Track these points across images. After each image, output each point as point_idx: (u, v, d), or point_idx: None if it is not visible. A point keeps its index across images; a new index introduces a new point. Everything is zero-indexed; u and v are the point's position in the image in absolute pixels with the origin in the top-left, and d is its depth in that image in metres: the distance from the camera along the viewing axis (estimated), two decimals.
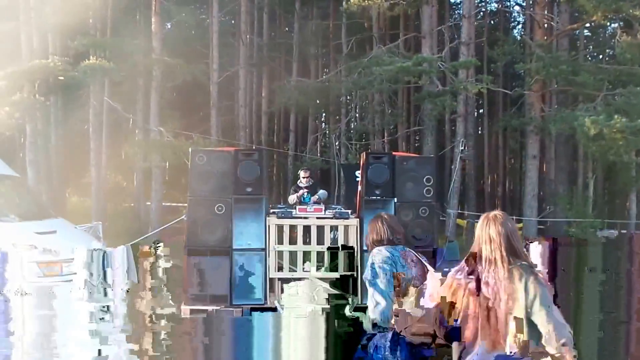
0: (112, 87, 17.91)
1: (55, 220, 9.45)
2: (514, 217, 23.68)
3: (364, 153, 9.87)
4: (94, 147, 17.64)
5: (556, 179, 19.14)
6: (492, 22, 28.80)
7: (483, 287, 2.88)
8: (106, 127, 18.31)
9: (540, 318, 2.82)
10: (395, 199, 9.18)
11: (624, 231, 20.62)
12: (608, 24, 17.71)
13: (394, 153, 9.96)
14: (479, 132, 28.50)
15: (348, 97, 20.48)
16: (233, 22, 25.67)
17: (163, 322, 7.84)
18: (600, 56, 27.58)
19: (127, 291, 8.31)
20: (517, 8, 28.46)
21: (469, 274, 2.98)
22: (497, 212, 3.11)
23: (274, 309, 8.65)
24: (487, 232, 2.99)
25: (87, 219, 15.72)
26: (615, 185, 25.05)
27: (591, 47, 28.91)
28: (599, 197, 25.85)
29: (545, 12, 16.88)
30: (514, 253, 2.95)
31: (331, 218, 9.10)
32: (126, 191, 24.73)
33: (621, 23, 17.37)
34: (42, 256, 8.01)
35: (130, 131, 21.55)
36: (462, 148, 15.62)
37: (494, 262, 2.92)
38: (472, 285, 2.93)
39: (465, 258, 3.09)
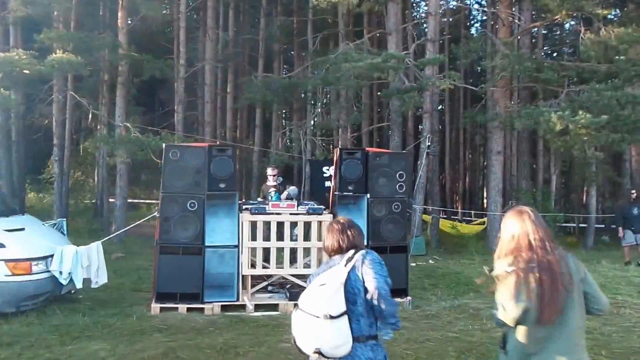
0: (74, 82, 17.55)
1: (22, 217, 9.24)
2: (474, 212, 24.17)
3: (337, 149, 9.86)
4: (57, 142, 17.19)
5: (518, 174, 19.50)
6: (451, 20, 29.13)
7: (544, 271, 3.07)
8: (69, 123, 17.91)
9: (593, 287, 3.21)
10: (368, 195, 9.24)
11: (584, 225, 21.16)
12: (568, 21, 18.01)
13: (367, 149, 10.00)
14: (439, 128, 28.83)
15: (316, 93, 20.46)
16: (196, 16, 25.42)
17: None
18: (555, 54, 28.18)
19: None
20: (477, 6, 28.83)
21: (527, 262, 3.10)
22: (527, 207, 3.35)
23: (245, 307, 8.64)
24: (528, 223, 3.19)
25: (48, 215, 15.39)
26: (572, 180, 25.73)
27: (548, 44, 29.51)
28: (557, 192, 26.54)
29: (510, 10, 17.07)
30: (551, 239, 3.21)
31: (304, 214, 9.07)
32: (86, 188, 24.32)
33: (580, 21, 17.75)
34: (12, 254, 7.76)
35: (92, 126, 21.15)
36: (429, 144, 15.77)
37: (544, 248, 3.13)
38: (537, 271, 3.08)
39: (510, 250, 3.19)
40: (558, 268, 3.08)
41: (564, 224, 21.78)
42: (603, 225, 22.28)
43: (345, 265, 3.29)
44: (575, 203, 28.53)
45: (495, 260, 3.24)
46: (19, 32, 16.88)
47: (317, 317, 3.13)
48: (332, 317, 3.12)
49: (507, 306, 3.06)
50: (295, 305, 3.30)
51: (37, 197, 23.65)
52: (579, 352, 3.13)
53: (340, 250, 3.44)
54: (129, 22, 16.55)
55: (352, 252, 3.38)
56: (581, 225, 22.47)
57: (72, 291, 8.67)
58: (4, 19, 15.42)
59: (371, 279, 3.23)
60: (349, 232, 3.49)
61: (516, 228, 3.22)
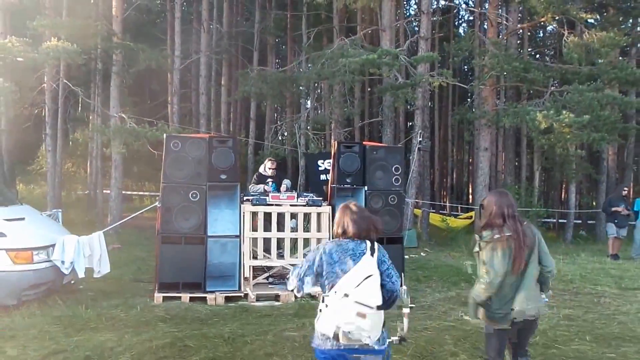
0: (66, 71, 17.39)
1: (21, 207, 9.11)
2: (462, 207, 24.50)
3: (336, 142, 10.04)
4: (50, 132, 17.00)
5: (504, 170, 19.85)
6: (440, 19, 29.37)
7: (516, 236, 4.15)
8: (61, 112, 17.72)
9: (544, 247, 4.35)
10: (366, 187, 9.45)
11: (563, 220, 21.67)
12: (552, 24, 18.34)
13: (364, 142, 10.20)
14: (429, 124, 29.14)
15: (309, 87, 20.53)
16: (188, 8, 25.33)
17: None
18: (537, 55, 28.57)
19: None
20: (464, 6, 29.09)
21: (502, 229, 4.17)
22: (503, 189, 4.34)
23: (247, 296, 8.74)
24: (506, 200, 4.27)
25: (40, 207, 15.29)
26: (552, 178, 26.25)
27: (531, 46, 29.89)
28: (539, 188, 27.06)
29: (499, 11, 17.36)
30: (518, 213, 4.35)
31: (304, 205, 9.24)
32: (77, 179, 24.13)
33: (564, 24, 18.12)
34: (13, 244, 7.68)
35: (83, 117, 20.93)
36: (420, 139, 16.01)
37: (516, 219, 4.22)
38: (512, 235, 4.16)
39: (489, 222, 4.22)
40: (523, 234, 4.17)
41: (545, 219, 22.23)
42: (580, 221, 22.90)
43: (372, 256, 3.50)
44: (554, 199, 29.10)
45: (482, 230, 4.26)
46: (8, 20, 16.71)
47: (371, 308, 3.33)
48: (378, 308, 3.37)
49: (500, 264, 4.12)
50: (346, 295, 3.37)
51: (27, 189, 23.29)
52: (536, 290, 4.30)
53: (365, 236, 3.61)
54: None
55: (369, 243, 3.59)
56: (560, 220, 23.04)
57: (72, 281, 8.63)
58: None
59: (392, 272, 3.58)
60: (375, 220, 3.70)
61: (495, 203, 4.23)
